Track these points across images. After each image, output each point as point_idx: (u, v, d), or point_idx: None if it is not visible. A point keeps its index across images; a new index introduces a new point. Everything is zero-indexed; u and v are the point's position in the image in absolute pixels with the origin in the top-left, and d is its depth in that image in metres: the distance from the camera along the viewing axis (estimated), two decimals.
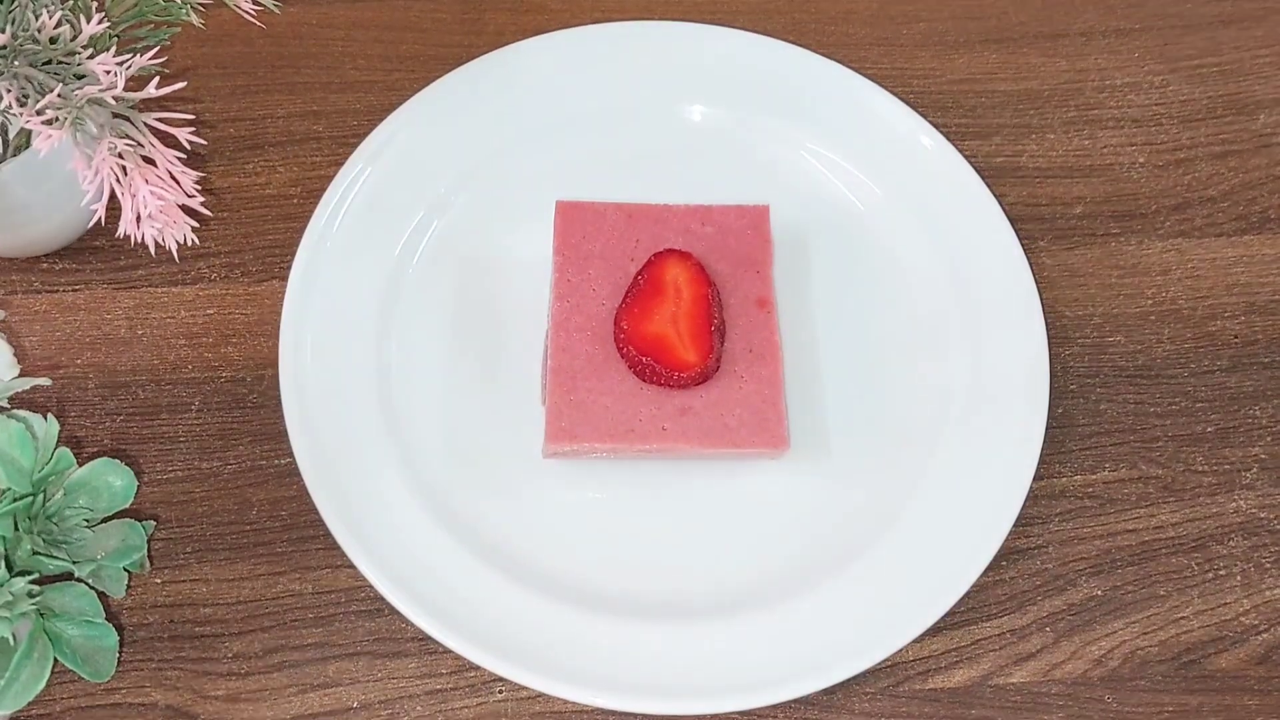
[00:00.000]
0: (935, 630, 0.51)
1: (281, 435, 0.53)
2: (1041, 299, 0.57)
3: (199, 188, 0.46)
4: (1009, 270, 0.58)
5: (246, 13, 0.50)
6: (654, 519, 0.54)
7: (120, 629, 0.51)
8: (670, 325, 0.52)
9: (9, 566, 0.47)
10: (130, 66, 0.44)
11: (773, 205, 0.57)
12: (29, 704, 0.46)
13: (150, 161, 0.44)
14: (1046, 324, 0.57)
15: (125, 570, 0.49)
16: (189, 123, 0.45)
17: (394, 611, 0.50)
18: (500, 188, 0.61)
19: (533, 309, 0.57)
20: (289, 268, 0.56)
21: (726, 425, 0.52)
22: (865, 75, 0.63)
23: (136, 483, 0.50)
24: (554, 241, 0.55)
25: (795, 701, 0.50)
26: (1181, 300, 0.60)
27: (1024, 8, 0.69)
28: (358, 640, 0.51)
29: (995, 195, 0.60)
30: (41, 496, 0.48)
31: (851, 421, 0.56)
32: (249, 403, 0.56)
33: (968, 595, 0.51)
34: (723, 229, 0.56)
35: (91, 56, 0.44)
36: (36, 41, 0.44)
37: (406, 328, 0.57)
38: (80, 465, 0.49)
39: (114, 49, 0.45)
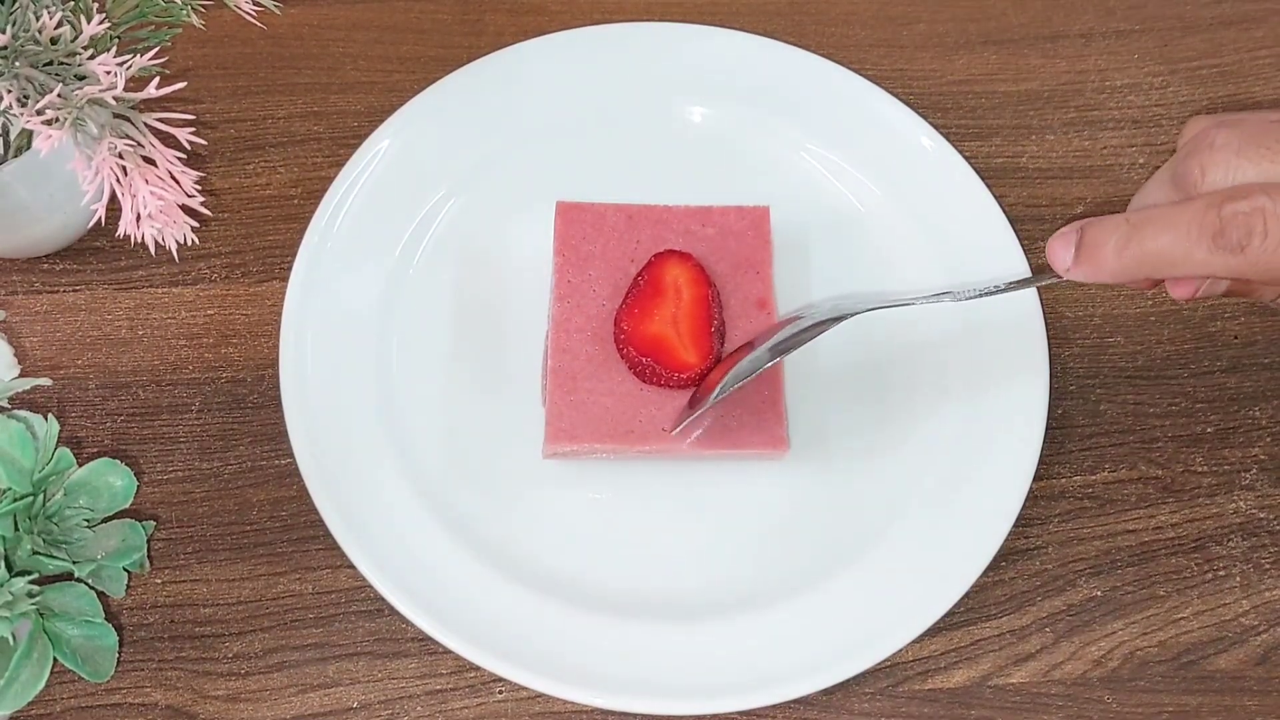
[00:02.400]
0: (935, 630, 0.51)
1: (282, 436, 0.53)
2: (1041, 300, 0.57)
3: (199, 188, 0.46)
4: (1009, 271, 0.58)
5: (247, 14, 0.50)
6: (654, 519, 0.54)
7: (120, 629, 0.51)
8: (670, 326, 0.52)
9: (9, 566, 0.47)
10: (130, 67, 0.44)
11: (772, 206, 0.57)
12: (29, 704, 0.46)
13: (150, 162, 0.44)
14: (1046, 325, 0.57)
15: (125, 570, 0.49)
16: (189, 123, 0.45)
17: (394, 612, 0.50)
18: (500, 189, 0.61)
19: (533, 310, 0.57)
20: (289, 268, 0.56)
21: (726, 427, 0.52)
22: (865, 76, 0.63)
23: (136, 483, 0.50)
24: (554, 242, 0.55)
25: (795, 701, 0.50)
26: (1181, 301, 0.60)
27: (1024, 9, 0.69)
28: (358, 641, 0.51)
29: (995, 196, 0.60)
30: (42, 496, 0.48)
31: (851, 422, 0.56)
32: (249, 403, 0.56)
33: (967, 595, 0.51)
34: (723, 230, 0.56)
35: (92, 57, 0.44)
36: (37, 42, 0.44)
37: (407, 328, 0.57)
38: (80, 465, 0.49)
39: (114, 50, 0.45)
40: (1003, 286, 0.48)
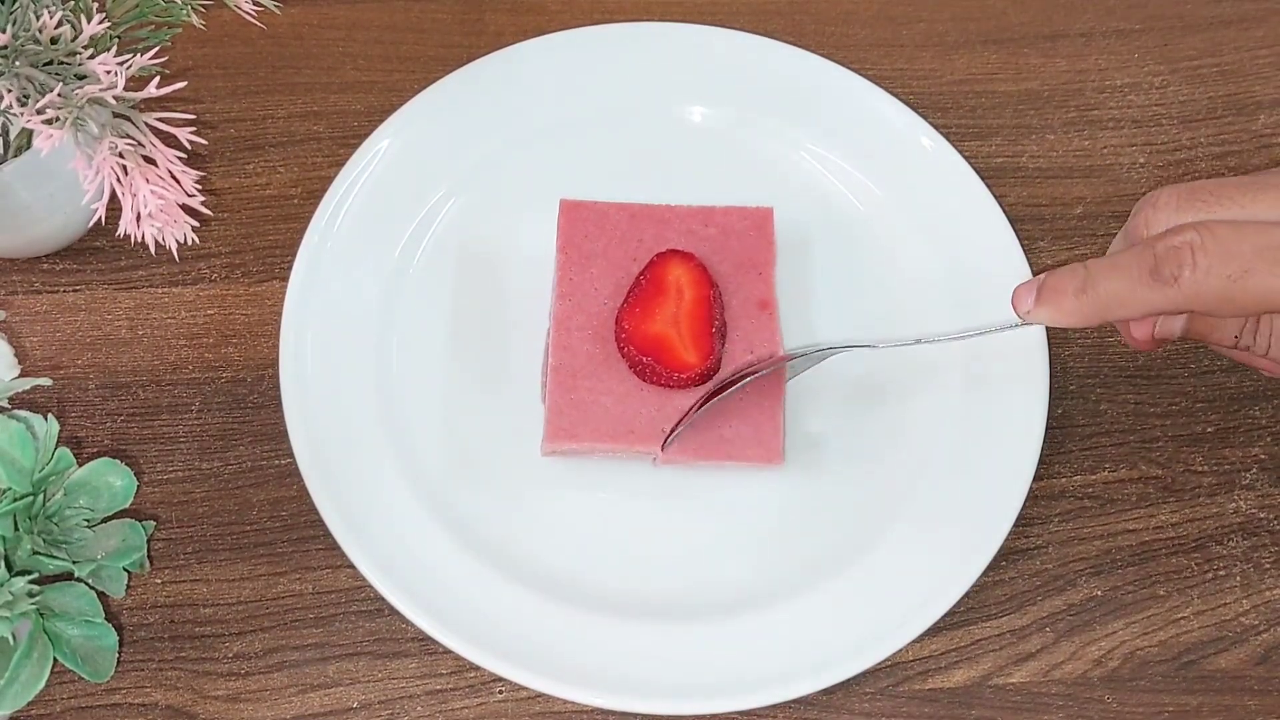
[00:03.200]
0: (935, 630, 0.51)
1: (282, 435, 0.53)
2: None
3: (199, 187, 0.46)
4: (1009, 271, 0.58)
5: (247, 13, 0.50)
6: (654, 518, 0.54)
7: (120, 629, 0.51)
8: (671, 326, 0.52)
9: (9, 566, 0.47)
10: (131, 66, 0.44)
11: (772, 205, 0.57)
12: (29, 704, 0.46)
13: (151, 161, 0.44)
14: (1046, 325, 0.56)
15: (125, 570, 0.49)
16: (189, 123, 0.45)
17: (394, 612, 0.50)
18: (500, 188, 0.61)
19: (533, 309, 0.57)
20: (289, 268, 0.56)
21: (723, 437, 0.52)
22: (865, 76, 0.63)
23: (136, 483, 0.50)
24: (557, 240, 0.55)
25: (795, 701, 0.50)
26: None
27: (1024, 8, 0.69)
28: (358, 640, 0.51)
29: (995, 196, 0.60)
30: (42, 496, 0.48)
31: (851, 421, 0.56)
32: (249, 403, 0.56)
33: (967, 595, 0.51)
34: (725, 230, 0.56)
35: (92, 57, 0.44)
36: (37, 42, 0.44)
37: (407, 328, 0.57)
38: (80, 465, 0.49)
39: (115, 49, 0.45)
40: (971, 333, 0.50)
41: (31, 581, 0.47)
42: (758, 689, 0.49)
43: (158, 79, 0.44)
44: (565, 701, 0.50)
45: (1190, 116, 0.66)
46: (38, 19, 0.44)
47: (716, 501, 0.54)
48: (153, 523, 0.52)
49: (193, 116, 0.46)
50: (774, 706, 0.50)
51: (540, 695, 0.50)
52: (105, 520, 0.49)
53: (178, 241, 0.45)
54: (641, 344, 0.52)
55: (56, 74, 0.45)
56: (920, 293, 0.59)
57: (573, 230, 0.55)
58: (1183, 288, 0.41)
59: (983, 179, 0.60)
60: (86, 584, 0.48)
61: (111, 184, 0.44)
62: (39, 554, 0.47)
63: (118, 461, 0.50)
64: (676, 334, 0.52)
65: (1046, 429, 0.54)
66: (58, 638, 0.47)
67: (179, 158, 0.45)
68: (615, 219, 0.56)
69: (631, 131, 0.62)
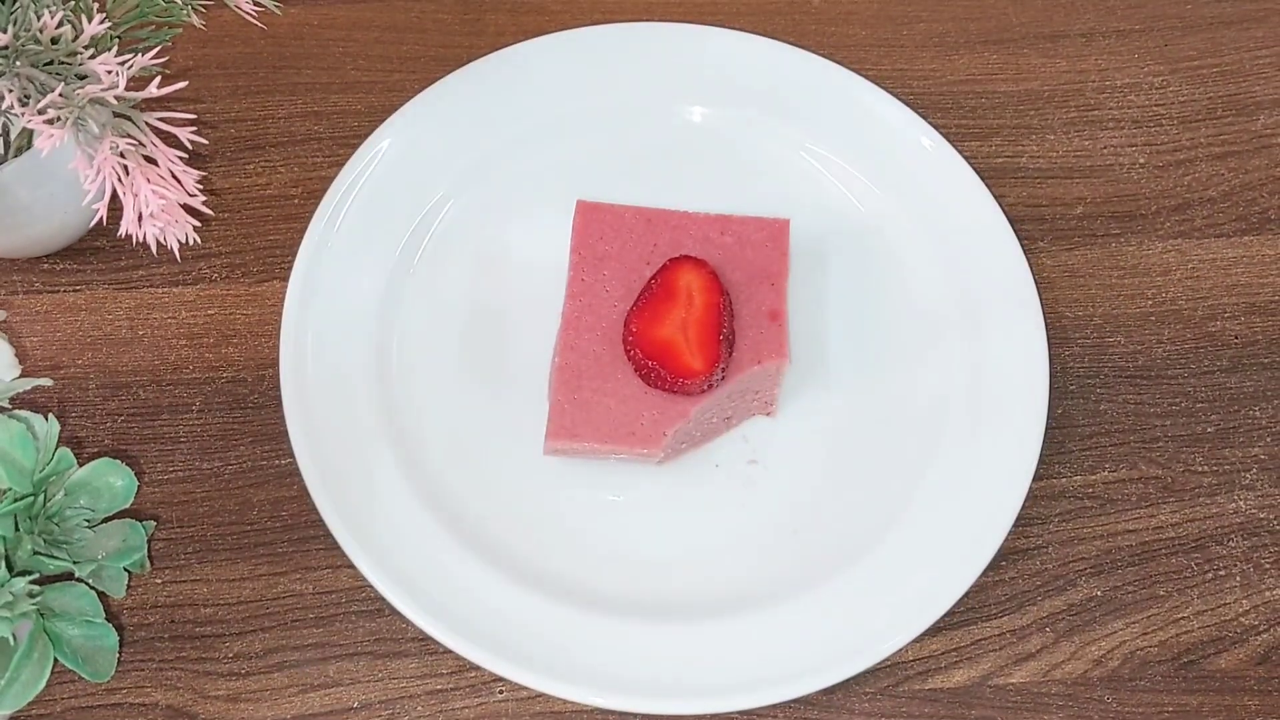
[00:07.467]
0: (935, 630, 0.51)
1: (282, 436, 0.53)
2: (1041, 300, 0.57)
3: (200, 187, 0.46)
4: (1009, 271, 0.58)
5: (247, 14, 0.50)
6: (654, 519, 0.54)
7: (120, 629, 0.51)
8: (679, 331, 0.52)
9: (9, 566, 0.47)
10: (131, 66, 0.44)
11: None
12: (29, 704, 0.46)
13: (152, 161, 0.44)
14: (1046, 325, 0.57)
15: (126, 570, 0.49)
16: (190, 122, 0.45)
17: (394, 612, 0.50)
18: (500, 189, 0.61)
19: (533, 309, 0.57)
20: (290, 268, 0.56)
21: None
22: (865, 76, 0.63)
23: (137, 483, 0.50)
24: (571, 241, 0.55)
25: (795, 701, 0.50)
26: (1181, 301, 0.60)
27: (1024, 8, 0.69)
28: (358, 640, 0.51)
29: (995, 196, 0.60)
30: (42, 497, 0.48)
31: (853, 421, 0.56)
32: (250, 403, 0.56)
33: (967, 595, 0.51)
34: (741, 239, 0.56)
35: (93, 57, 0.44)
36: (38, 42, 0.44)
37: (407, 328, 0.57)
38: (81, 465, 0.49)
39: (115, 49, 0.45)
40: None
41: (32, 582, 0.47)
42: (758, 688, 0.49)
43: (158, 79, 0.44)
44: (565, 701, 0.50)
45: (1190, 117, 0.66)
46: (38, 19, 0.44)
47: (716, 501, 0.54)
48: (153, 523, 0.52)
49: (193, 116, 0.46)
50: (774, 706, 0.50)
51: (541, 695, 0.50)
52: (106, 520, 0.50)
53: (179, 241, 0.45)
54: (648, 348, 0.52)
55: (57, 74, 0.45)
56: (919, 293, 0.59)
57: (587, 231, 0.55)
58: None
59: (983, 179, 0.60)
60: (87, 584, 0.48)
61: (113, 184, 0.43)
62: (39, 554, 0.47)
63: (118, 461, 0.50)
64: (684, 339, 0.52)
65: (1046, 429, 0.54)
66: (58, 638, 0.47)
67: (180, 158, 0.45)
68: (631, 222, 0.56)
69: (631, 132, 0.62)
